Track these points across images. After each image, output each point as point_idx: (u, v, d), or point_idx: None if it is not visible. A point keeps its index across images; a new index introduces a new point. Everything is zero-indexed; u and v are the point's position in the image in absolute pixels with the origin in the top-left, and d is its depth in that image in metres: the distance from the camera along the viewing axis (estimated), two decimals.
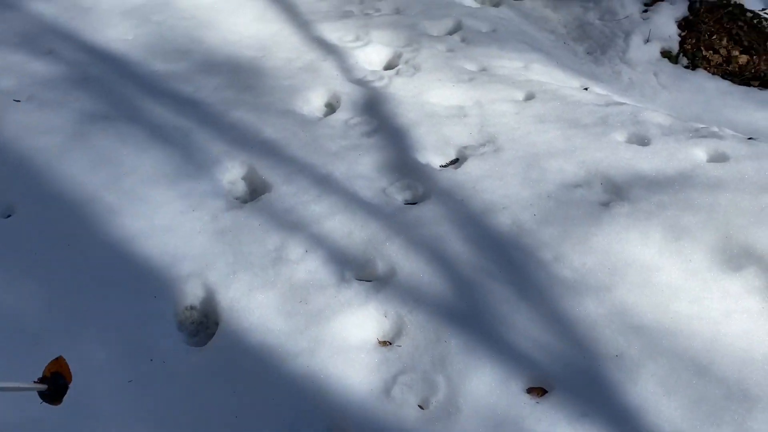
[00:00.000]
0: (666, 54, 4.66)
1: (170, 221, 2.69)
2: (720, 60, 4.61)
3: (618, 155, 3.09)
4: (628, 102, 3.77)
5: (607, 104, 3.61)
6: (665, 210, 2.71)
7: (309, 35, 4.37)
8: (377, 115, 3.51)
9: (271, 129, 3.32)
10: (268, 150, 3.16)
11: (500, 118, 3.46)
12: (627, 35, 4.80)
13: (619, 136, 3.28)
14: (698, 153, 3.08)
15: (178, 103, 3.47)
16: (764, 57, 4.55)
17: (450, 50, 4.31)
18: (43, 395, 1.47)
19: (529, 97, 3.72)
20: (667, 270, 2.46)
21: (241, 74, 3.83)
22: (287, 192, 2.88)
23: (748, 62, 4.56)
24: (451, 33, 4.67)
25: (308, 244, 2.59)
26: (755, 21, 4.75)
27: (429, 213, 2.77)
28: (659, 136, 3.23)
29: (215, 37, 4.23)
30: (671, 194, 2.81)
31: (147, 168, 2.97)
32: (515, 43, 4.60)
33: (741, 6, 4.83)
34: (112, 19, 4.28)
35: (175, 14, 4.45)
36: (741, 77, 4.51)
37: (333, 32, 4.44)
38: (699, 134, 3.25)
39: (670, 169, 2.97)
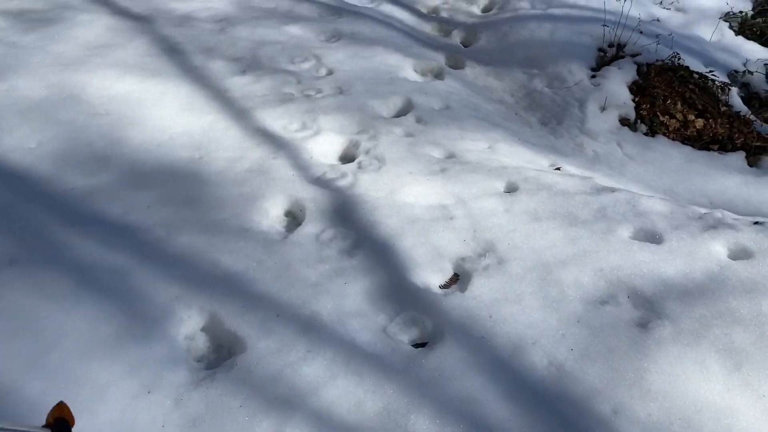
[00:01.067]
0: (625, 121, 4.49)
1: (121, 414, 2.02)
2: (677, 125, 4.49)
3: (635, 259, 2.75)
4: (617, 186, 3.49)
5: (597, 191, 3.30)
6: (711, 328, 2.37)
7: (249, 126, 3.82)
8: (352, 225, 3.00)
9: (229, 257, 2.72)
10: (231, 288, 2.56)
11: (491, 219, 3.05)
12: (581, 104, 4.60)
13: (626, 232, 2.95)
14: (718, 248, 2.80)
15: (106, 233, 2.80)
16: (719, 120, 4.47)
17: (409, 135, 3.90)
18: None
19: (512, 188, 3.35)
20: (743, 412, 2.09)
21: (179, 184, 3.22)
22: (267, 349, 2.29)
23: (705, 126, 4.46)
24: (403, 113, 4.27)
25: (310, 429, 2.01)
26: (704, 83, 4.69)
27: (449, 361, 2.27)
28: (669, 229, 2.93)
29: (140, 136, 3.59)
30: (709, 305, 2.48)
31: (79, 332, 2.28)
32: (472, 120, 4.26)
33: (687, 68, 4.77)
34: (8, 122, 3.53)
35: (86, 110, 3.76)
36: (700, 141, 4.39)
37: (276, 120, 3.92)
38: (707, 223, 2.98)
39: (696, 272, 2.66)
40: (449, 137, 3.94)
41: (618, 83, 4.72)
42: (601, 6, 5.73)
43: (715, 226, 2.95)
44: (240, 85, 4.33)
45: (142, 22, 5.05)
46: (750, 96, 5.06)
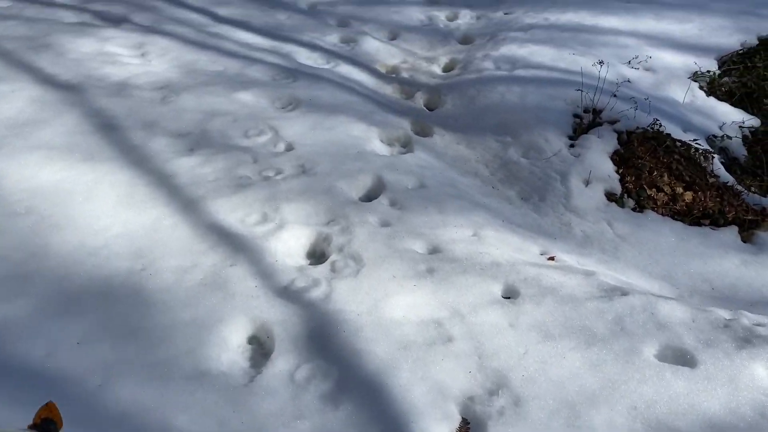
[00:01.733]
0: (611, 196, 4.17)
1: None
2: (666, 198, 4.20)
3: (670, 390, 2.34)
4: (625, 284, 3.11)
5: (608, 295, 2.91)
6: None
7: (201, 221, 3.28)
8: (333, 356, 2.49)
9: (184, 417, 2.16)
10: None
11: (496, 339, 2.60)
12: (563, 177, 4.26)
13: (651, 350, 2.57)
14: (760, 372, 2.44)
15: (21, 388, 2.20)
16: (708, 193, 4.21)
17: (386, 224, 3.45)
18: None
19: (512, 293, 2.93)
20: None
21: (118, 307, 2.64)
22: None
23: (694, 199, 4.19)
24: (375, 195, 3.82)
25: None
26: (687, 152, 4.44)
27: None
28: (699, 347, 2.55)
29: (69, 242, 3.00)
30: None
31: None
32: (451, 200, 3.85)
33: (669, 135, 4.52)
34: None
35: (1, 209, 3.15)
36: (691, 216, 4.11)
37: (231, 212, 3.40)
38: (737, 335, 2.63)
39: (743, 406, 2.28)
40: (430, 224, 3.51)
41: (599, 153, 4.42)
42: (570, 67, 5.51)
43: (747, 339, 2.59)
44: (188, 167, 3.79)
45: (72, 92, 4.46)
46: (730, 162, 4.86)
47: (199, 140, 4.13)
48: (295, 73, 5.46)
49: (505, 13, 7.26)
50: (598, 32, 6.28)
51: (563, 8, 6.97)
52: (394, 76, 5.98)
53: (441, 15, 7.41)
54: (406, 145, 4.69)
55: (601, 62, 4.71)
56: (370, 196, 3.90)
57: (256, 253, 3.09)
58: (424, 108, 5.46)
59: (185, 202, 3.43)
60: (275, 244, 3.20)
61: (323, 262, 3.17)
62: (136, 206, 3.33)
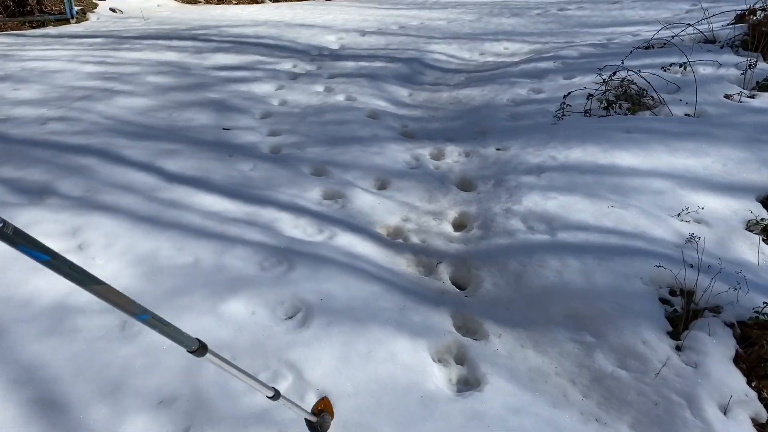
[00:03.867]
0: (760, 428, 3.12)
1: None
2: None
3: None
4: None
5: None
6: None
7: None
8: None
9: None
10: None
11: None
12: (691, 402, 3.18)
13: None
14: None
15: None
16: None
17: None
18: (311, 426, 2.07)
19: None
20: None
21: None
22: None
23: None
24: None
25: None
26: None
27: None
28: None
29: None
30: None
31: None
32: None
33: None
34: None
35: None
36: None
37: None
38: None
39: None
40: None
41: (722, 362, 3.41)
42: (619, 226, 4.60)
43: None
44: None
45: None
46: None
47: (192, 410, 2.74)
48: (288, 254, 4.21)
49: (498, 149, 6.43)
50: (621, 174, 5.50)
51: (565, 143, 6.22)
52: (402, 242, 4.85)
53: (425, 153, 6.48)
54: (462, 361, 3.51)
55: (696, 238, 3.79)
56: None
57: None
58: (456, 288, 4.33)
59: None
60: None
61: None
62: None
